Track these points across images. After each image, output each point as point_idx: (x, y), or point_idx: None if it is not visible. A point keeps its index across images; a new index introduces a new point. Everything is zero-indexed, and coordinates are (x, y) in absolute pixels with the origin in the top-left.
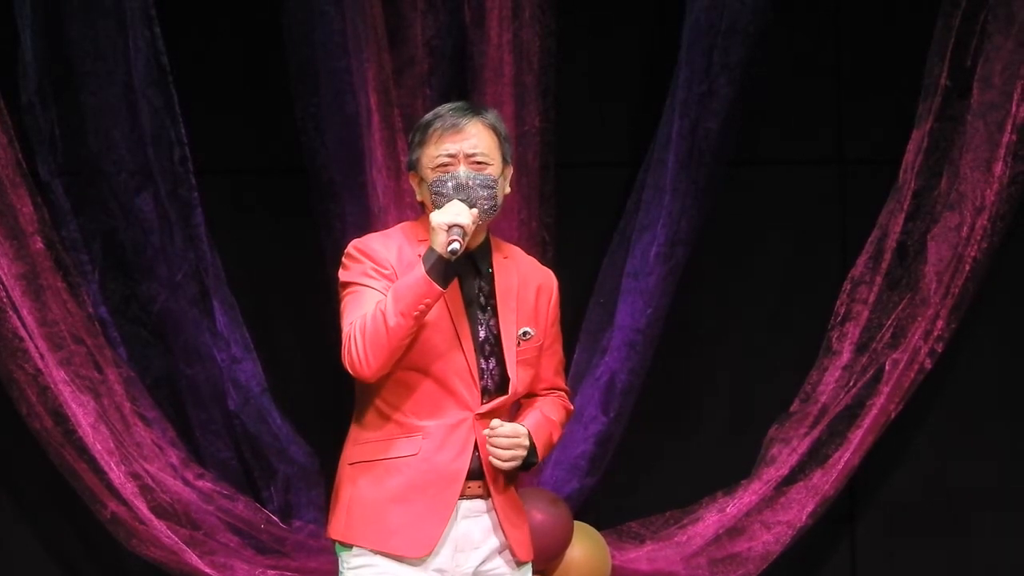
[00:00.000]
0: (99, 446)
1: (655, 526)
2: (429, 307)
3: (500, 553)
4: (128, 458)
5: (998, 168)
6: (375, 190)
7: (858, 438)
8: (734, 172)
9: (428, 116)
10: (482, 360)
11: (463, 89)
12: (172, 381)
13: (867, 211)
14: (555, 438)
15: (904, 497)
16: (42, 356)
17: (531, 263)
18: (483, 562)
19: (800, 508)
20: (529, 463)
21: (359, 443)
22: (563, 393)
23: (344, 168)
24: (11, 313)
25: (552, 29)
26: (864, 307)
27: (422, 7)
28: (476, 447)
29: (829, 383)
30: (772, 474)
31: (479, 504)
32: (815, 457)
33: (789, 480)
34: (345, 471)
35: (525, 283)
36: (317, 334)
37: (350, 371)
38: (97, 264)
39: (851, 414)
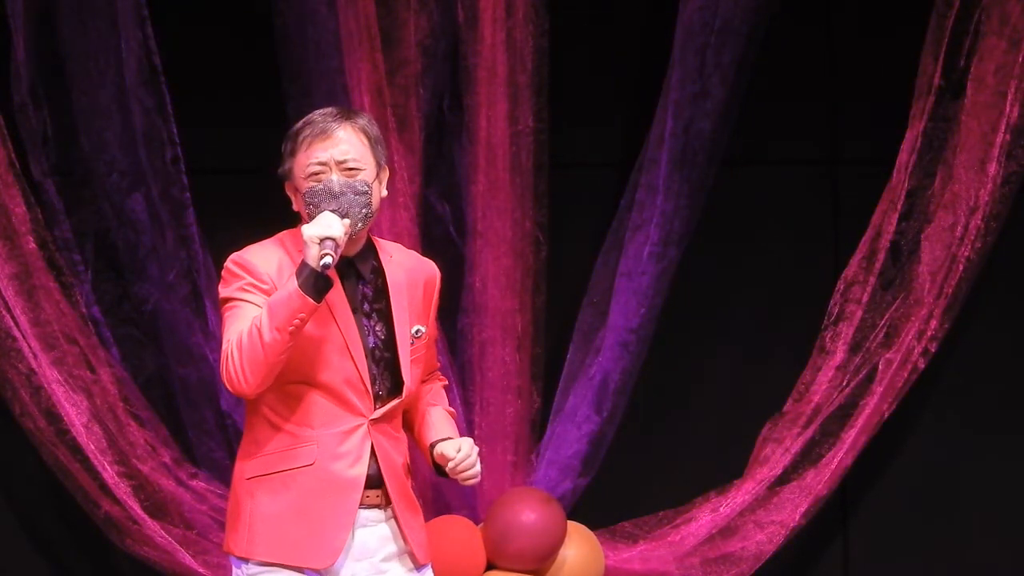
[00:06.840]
0: (92, 446)
1: (648, 526)
2: (305, 321)
3: (398, 558)
4: (121, 458)
5: (992, 168)
6: None
7: (851, 438)
8: (727, 172)
9: (298, 124)
10: (373, 367)
11: (456, 89)
12: (165, 381)
13: (861, 211)
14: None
15: (897, 497)
16: (35, 356)
17: (414, 258)
18: (379, 572)
19: (793, 508)
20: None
21: (254, 456)
22: (436, 370)
23: None
24: (4, 313)
25: (545, 29)
26: (857, 307)
27: (415, 7)
28: (373, 453)
29: (822, 383)
30: (765, 474)
31: (376, 513)
32: (808, 457)
33: (782, 480)
34: (243, 486)
35: (414, 281)
36: None
37: (229, 388)
38: (90, 264)
39: (844, 414)
